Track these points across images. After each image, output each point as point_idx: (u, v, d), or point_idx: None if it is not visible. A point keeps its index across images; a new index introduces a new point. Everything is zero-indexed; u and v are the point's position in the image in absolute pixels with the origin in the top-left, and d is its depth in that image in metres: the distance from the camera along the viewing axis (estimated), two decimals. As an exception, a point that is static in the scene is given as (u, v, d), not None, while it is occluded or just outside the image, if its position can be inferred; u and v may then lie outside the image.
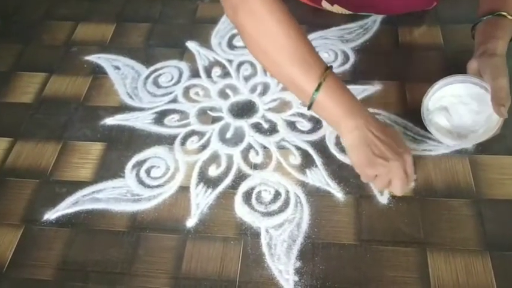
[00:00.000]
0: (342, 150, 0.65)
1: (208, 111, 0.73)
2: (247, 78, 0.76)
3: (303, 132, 0.68)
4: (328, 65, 0.56)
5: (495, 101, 0.59)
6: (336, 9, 0.82)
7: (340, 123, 0.56)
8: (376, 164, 0.54)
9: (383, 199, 0.60)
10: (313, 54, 0.55)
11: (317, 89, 0.54)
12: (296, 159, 0.65)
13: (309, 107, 0.56)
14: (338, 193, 0.61)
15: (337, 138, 0.66)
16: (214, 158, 0.67)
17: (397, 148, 0.55)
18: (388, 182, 0.56)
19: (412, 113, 0.68)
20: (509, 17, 0.62)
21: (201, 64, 0.80)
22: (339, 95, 0.55)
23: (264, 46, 0.55)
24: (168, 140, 0.69)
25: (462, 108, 0.63)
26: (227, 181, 0.64)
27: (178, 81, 0.77)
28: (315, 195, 0.62)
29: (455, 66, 0.67)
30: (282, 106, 0.72)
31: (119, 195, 0.64)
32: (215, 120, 0.71)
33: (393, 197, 0.60)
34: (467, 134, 0.62)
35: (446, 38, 0.78)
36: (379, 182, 0.56)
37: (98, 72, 0.80)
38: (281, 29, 0.54)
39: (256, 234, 0.59)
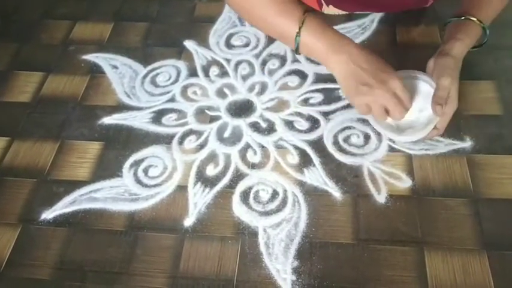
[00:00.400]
0: (340, 149, 0.65)
1: (206, 111, 0.72)
2: (245, 78, 0.76)
3: (300, 131, 0.68)
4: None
5: (434, 99, 0.60)
6: (332, 10, 0.82)
7: (327, 59, 0.60)
8: (361, 92, 0.57)
9: (381, 198, 0.60)
10: (292, 1, 0.61)
11: (298, 32, 0.58)
12: (294, 158, 0.65)
13: (296, 51, 0.61)
14: (336, 192, 0.61)
15: (335, 137, 0.66)
16: (212, 158, 0.66)
17: (382, 75, 0.57)
18: (383, 110, 0.58)
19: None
20: (476, 21, 0.63)
21: (199, 63, 0.79)
22: (319, 33, 0.59)
23: (249, 5, 0.63)
24: (165, 139, 0.69)
25: None
26: (225, 180, 0.64)
27: (176, 81, 0.77)
28: (312, 194, 0.62)
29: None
30: (280, 105, 0.72)
31: (116, 195, 0.64)
32: (213, 119, 0.71)
33: (391, 196, 0.60)
34: (406, 129, 0.63)
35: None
36: (375, 112, 0.58)
37: (95, 71, 0.80)
38: None
39: (253, 234, 0.59)
